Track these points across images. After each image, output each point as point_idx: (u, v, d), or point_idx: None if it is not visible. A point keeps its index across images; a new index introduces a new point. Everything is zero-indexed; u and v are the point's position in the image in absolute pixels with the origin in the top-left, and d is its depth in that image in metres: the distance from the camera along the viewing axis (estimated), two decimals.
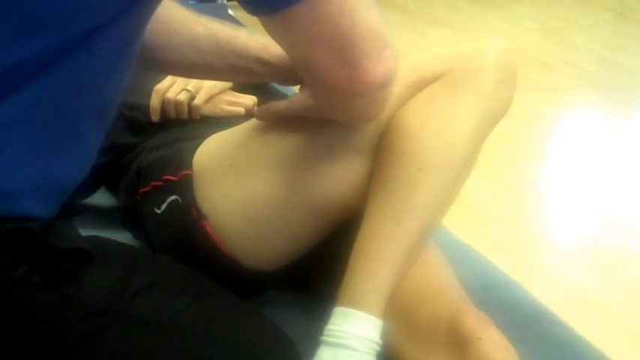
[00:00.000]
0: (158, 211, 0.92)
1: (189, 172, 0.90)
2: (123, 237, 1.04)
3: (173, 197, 0.91)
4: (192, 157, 0.91)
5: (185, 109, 1.12)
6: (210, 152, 0.92)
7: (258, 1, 0.67)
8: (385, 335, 0.80)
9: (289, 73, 0.87)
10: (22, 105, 0.66)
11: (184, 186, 0.90)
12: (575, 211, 2.08)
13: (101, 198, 1.15)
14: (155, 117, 1.12)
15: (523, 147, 2.32)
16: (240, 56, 0.89)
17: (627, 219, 2.05)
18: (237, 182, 0.88)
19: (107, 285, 0.72)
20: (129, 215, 1.06)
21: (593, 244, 1.93)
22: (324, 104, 0.80)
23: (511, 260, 1.74)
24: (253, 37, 0.90)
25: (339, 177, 0.86)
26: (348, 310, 0.79)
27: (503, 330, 0.78)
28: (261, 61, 0.89)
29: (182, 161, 0.92)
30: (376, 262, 0.81)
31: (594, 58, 3.19)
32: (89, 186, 1.08)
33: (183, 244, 0.91)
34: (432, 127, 0.84)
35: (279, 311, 0.91)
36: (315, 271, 0.93)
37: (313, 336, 0.80)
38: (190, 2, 1.65)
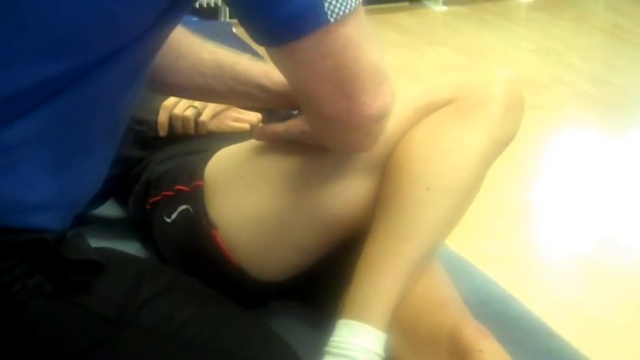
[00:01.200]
0: (168, 220, 0.93)
1: (200, 182, 0.91)
2: (131, 247, 1.05)
3: (184, 207, 0.92)
4: (204, 168, 0.92)
5: (192, 124, 1.14)
6: (221, 164, 0.93)
7: (267, 34, 0.69)
8: (387, 347, 0.80)
9: (288, 100, 0.89)
10: (39, 123, 0.68)
11: (196, 196, 0.91)
12: (568, 227, 2.11)
13: (110, 209, 1.16)
14: (163, 132, 1.14)
15: (518, 164, 2.34)
16: (241, 82, 0.91)
17: (619, 234, 2.07)
18: (248, 194, 0.89)
19: (116, 295, 0.73)
20: (137, 226, 1.07)
21: (586, 259, 1.95)
22: (320, 132, 0.82)
23: (507, 274, 1.75)
24: (256, 64, 0.92)
25: (348, 194, 0.88)
26: (353, 322, 0.80)
27: (500, 343, 0.78)
28: (261, 88, 0.91)
29: (194, 172, 0.93)
30: (382, 277, 0.82)
31: (589, 77, 3.22)
32: (98, 197, 1.07)
33: (192, 252, 0.92)
34: (441, 150, 0.85)
35: (283, 321, 0.92)
36: (318, 283, 0.94)
37: (316, 347, 0.81)
38: (194, 19, 1.66)
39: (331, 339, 0.80)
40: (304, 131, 0.86)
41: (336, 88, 0.71)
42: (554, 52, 3.55)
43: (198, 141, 1.12)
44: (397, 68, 3.13)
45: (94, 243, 0.77)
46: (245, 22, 0.70)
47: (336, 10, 0.66)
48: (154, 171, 1.03)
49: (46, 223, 0.71)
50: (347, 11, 0.66)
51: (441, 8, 4.12)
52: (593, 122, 2.80)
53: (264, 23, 0.68)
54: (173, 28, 0.76)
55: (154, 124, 1.15)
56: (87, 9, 0.64)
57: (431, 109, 0.89)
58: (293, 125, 0.88)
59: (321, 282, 0.93)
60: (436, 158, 0.85)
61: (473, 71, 0.96)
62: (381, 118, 0.74)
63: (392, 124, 0.86)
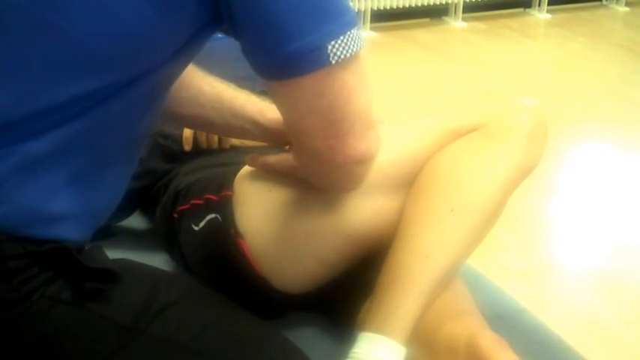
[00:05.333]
0: (196, 228, 0.95)
1: (230, 193, 0.93)
2: (157, 258, 1.06)
3: (212, 215, 0.93)
4: (234, 179, 0.94)
5: (216, 139, 1.17)
6: (250, 177, 0.95)
7: (269, 68, 0.71)
8: (405, 358, 0.81)
9: (279, 138, 0.93)
10: (65, 138, 0.70)
11: (224, 205, 0.92)
12: (585, 240, 2.11)
13: (136, 221, 1.19)
14: (187, 146, 1.16)
15: (535, 177, 2.34)
16: (237, 116, 0.95)
17: (637, 248, 2.06)
18: (275, 207, 0.91)
19: (132, 304, 0.75)
20: (163, 236, 1.08)
21: (603, 273, 1.95)
22: (306, 167, 0.84)
23: (524, 288, 1.77)
24: (252, 101, 0.95)
25: (374, 211, 0.90)
26: (374, 335, 0.81)
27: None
28: (255, 124, 0.95)
29: (224, 182, 0.95)
30: (404, 293, 0.83)
31: (607, 92, 3.23)
32: (125, 209, 1.12)
33: (218, 260, 0.93)
34: (467, 173, 0.88)
35: (300, 332, 0.93)
36: (335, 295, 0.95)
37: (334, 358, 0.83)
38: (218, 36, 1.69)
39: (352, 351, 0.81)
40: (294, 166, 0.88)
41: (326, 127, 0.74)
42: (572, 67, 3.55)
43: (223, 155, 1.14)
44: (418, 83, 3.17)
45: (121, 254, 0.79)
46: (249, 55, 0.72)
47: (338, 53, 0.68)
48: (181, 182, 1.05)
49: (67, 233, 0.73)
50: (348, 55, 0.69)
51: (460, 24, 4.15)
52: (610, 137, 2.81)
53: (268, 58, 0.70)
54: (198, 51, 0.79)
55: (179, 138, 1.17)
56: (115, 32, 0.67)
57: (458, 134, 0.92)
58: (284, 159, 0.91)
59: (339, 294, 0.95)
60: (461, 181, 0.88)
61: (499, 100, 0.99)
62: (363, 161, 0.77)
63: (420, 146, 0.90)
